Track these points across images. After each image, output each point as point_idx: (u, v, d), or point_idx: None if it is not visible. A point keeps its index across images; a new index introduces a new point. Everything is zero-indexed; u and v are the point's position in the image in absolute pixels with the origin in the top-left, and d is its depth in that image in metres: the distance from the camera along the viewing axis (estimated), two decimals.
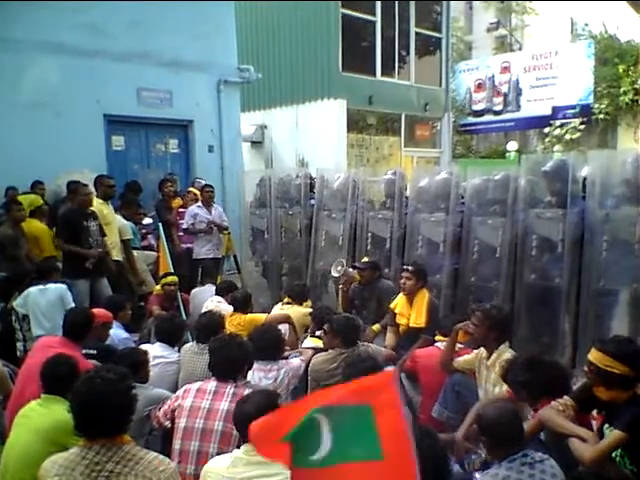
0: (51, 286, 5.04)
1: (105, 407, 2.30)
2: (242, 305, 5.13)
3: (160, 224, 6.95)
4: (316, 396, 2.23)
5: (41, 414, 3.03)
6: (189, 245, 7.60)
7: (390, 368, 4.13)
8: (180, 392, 3.32)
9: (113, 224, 6.46)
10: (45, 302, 4.92)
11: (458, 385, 4.02)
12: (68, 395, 2.96)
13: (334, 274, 5.85)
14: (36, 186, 7.07)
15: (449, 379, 4.06)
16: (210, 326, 4.23)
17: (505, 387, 3.53)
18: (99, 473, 2.24)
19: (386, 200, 6.62)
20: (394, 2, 14.86)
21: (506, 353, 3.73)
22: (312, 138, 13.69)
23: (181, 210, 7.80)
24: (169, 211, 7.82)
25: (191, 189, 8.26)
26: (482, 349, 3.90)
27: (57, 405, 3.00)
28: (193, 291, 6.45)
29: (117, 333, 4.78)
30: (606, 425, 2.84)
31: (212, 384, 3.23)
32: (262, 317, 4.96)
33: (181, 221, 7.65)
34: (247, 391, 3.13)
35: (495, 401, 3.38)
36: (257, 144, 14.92)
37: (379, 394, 1.91)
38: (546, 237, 5.32)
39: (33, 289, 5.03)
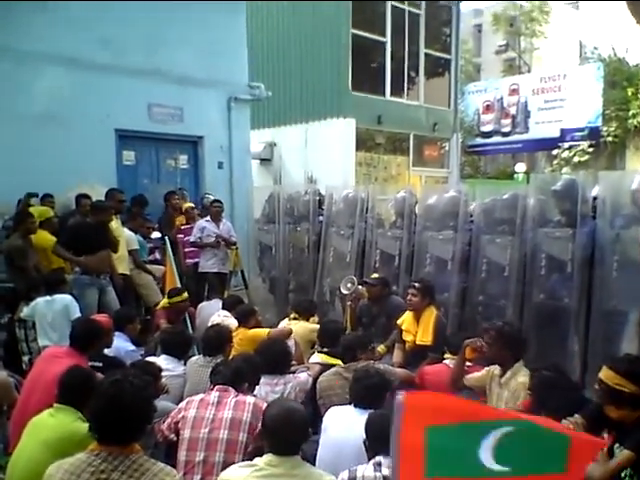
0: (58, 297, 5.06)
1: (128, 412, 2.29)
2: (244, 319, 5.12)
3: (168, 239, 6.98)
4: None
5: (50, 425, 3.00)
6: (195, 260, 7.59)
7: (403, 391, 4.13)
8: (183, 404, 3.32)
9: (121, 238, 6.48)
10: (52, 313, 4.93)
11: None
12: (80, 407, 2.99)
13: (344, 291, 5.82)
14: (46, 199, 7.10)
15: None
16: (217, 339, 4.22)
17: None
18: None
19: (397, 219, 6.63)
20: (404, 23, 14.99)
21: (521, 372, 3.72)
22: (321, 156, 13.75)
23: (184, 227, 7.80)
24: (172, 227, 7.81)
25: (190, 204, 8.24)
26: (493, 366, 3.87)
27: (67, 417, 3.00)
28: (200, 305, 6.44)
29: (123, 346, 4.77)
30: (616, 445, 2.80)
31: (214, 394, 3.23)
32: (264, 332, 4.94)
33: (186, 238, 7.64)
34: (249, 399, 3.13)
35: None
36: (266, 161, 15.00)
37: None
38: (555, 257, 5.28)
39: (40, 300, 5.06)
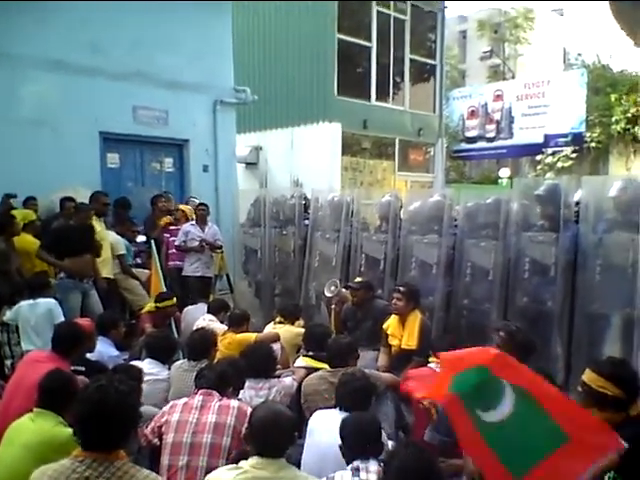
0: (41, 301, 5.01)
1: (113, 418, 2.26)
2: (237, 324, 5.10)
3: (153, 241, 6.94)
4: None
5: (31, 429, 2.98)
6: (179, 263, 7.55)
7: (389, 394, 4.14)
8: (166, 408, 3.30)
9: (105, 241, 6.44)
10: (35, 317, 4.88)
11: None
12: (61, 411, 2.98)
13: (327, 294, 5.83)
14: (29, 201, 7.04)
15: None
16: (202, 343, 4.20)
17: None
18: None
19: (381, 223, 6.65)
20: (390, 29, 15.07)
21: None
22: (307, 160, 13.77)
23: (172, 228, 7.76)
24: (156, 228, 7.77)
25: (180, 207, 8.21)
26: None
27: (47, 421, 2.98)
28: (185, 309, 6.40)
29: (107, 350, 4.74)
30: None
31: (198, 398, 3.22)
32: (252, 337, 4.91)
33: (172, 238, 7.61)
34: (233, 403, 3.12)
35: None
36: (252, 165, 14.98)
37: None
38: (538, 260, 5.33)
39: (24, 303, 5.00)
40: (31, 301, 5.00)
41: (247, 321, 5.28)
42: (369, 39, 14.69)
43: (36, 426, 2.98)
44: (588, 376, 2.80)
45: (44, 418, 3.01)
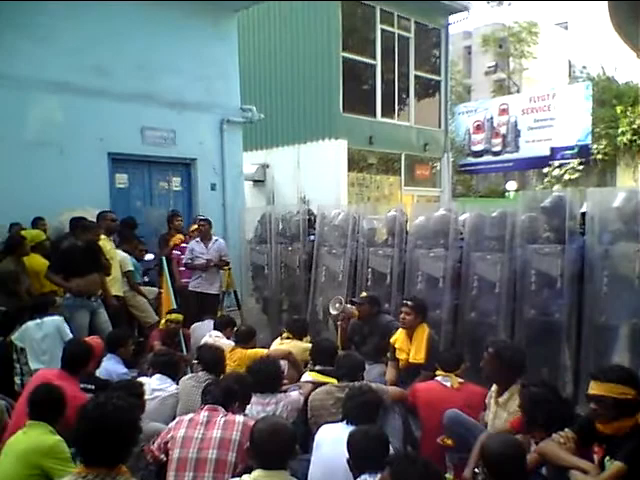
0: (48, 319, 5.06)
1: (112, 434, 2.28)
2: (245, 340, 5.13)
3: (164, 259, 7.01)
4: None
5: (22, 440, 3.10)
6: (189, 280, 7.61)
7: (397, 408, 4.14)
8: (172, 424, 3.32)
9: (115, 259, 6.50)
10: (42, 335, 4.93)
11: (456, 424, 3.93)
12: (52, 421, 3.11)
13: (332, 312, 5.84)
14: (38, 222, 7.11)
15: (447, 424, 3.95)
16: (215, 358, 4.24)
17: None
18: None
19: (388, 237, 6.67)
20: (394, 46, 15.20)
21: (517, 394, 3.61)
22: (313, 177, 13.83)
23: (183, 246, 7.85)
24: (167, 246, 7.89)
25: (196, 226, 8.31)
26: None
27: (37, 430, 3.09)
28: (193, 326, 6.44)
29: (115, 368, 4.77)
30: (607, 457, 2.81)
31: (204, 414, 3.23)
32: (262, 352, 4.93)
33: (182, 256, 7.70)
34: (239, 418, 3.13)
35: (498, 434, 3.35)
36: (259, 183, 15.06)
37: None
38: (545, 272, 5.31)
39: (30, 323, 5.05)
40: (38, 320, 5.05)
41: (254, 337, 5.30)
42: (374, 57, 14.80)
43: (26, 436, 3.10)
44: (604, 388, 2.78)
45: (34, 428, 3.13)
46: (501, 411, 3.74)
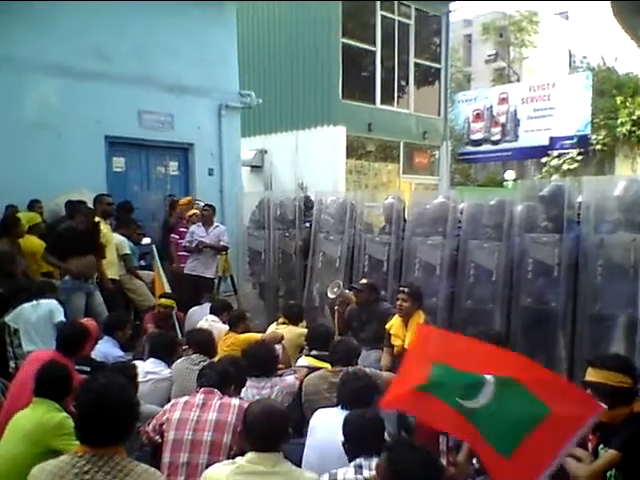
0: (43, 302, 5.04)
1: (116, 410, 2.28)
2: (235, 323, 5.15)
3: (154, 247, 6.99)
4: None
5: (27, 417, 3.08)
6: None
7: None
8: (168, 406, 3.33)
9: (111, 243, 6.49)
10: (36, 317, 4.92)
11: None
12: (58, 399, 3.10)
13: (330, 295, 5.84)
14: (34, 204, 7.09)
15: None
16: (204, 342, 4.24)
17: None
18: None
19: (385, 225, 6.66)
20: (394, 33, 15.12)
21: None
22: (311, 164, 13.80)
23: (181, 230, 7.86)
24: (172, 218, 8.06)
25: (195, 210, 8.30)
26: None
27: (43, 407, 3.06)
28: (191, 310, 6.44)
29: (111, 351, 4.78)
30: (601, 445, 2.82)
31: (200, 397, 3.24)
32: (256, 337, 4.94)
33: (181, 240, 7.74)
34: (234, 401, 3.13)
35: None
36: (257, 168, 15.03)
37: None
38: (542, 261, 5.33)
39: (26, 305, 5.04)
40: (34, 302, 5.04)
41: (244, 320, 5.33)
42: (374, 43, 14.73)
43: (32, 413, 3.08)
44: (601, 375, 2.78)
45: (40, 406, 3.10)
46: None
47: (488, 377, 2.20)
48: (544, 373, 2.27)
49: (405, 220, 6.51)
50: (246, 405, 3.16)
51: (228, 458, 2.91)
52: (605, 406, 2.42)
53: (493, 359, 2.30)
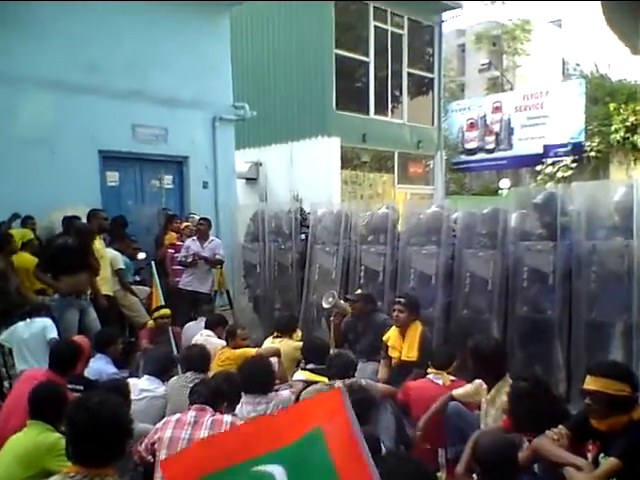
0: (37, 320, 5.00)
1: (105, 429, 2.24)
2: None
3: (153, 262, 6.96)
4: (257, 436, 1.82)
5: (21, 439, 3.04)
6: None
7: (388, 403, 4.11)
8: (159, 424, 3.28)
9: (105, 258, 6.44)
10: (29, 334, 4.88)
11: (456, 417, 3.92)
12: (52, 421, 3.05)
13: (325, 305, 5.81)
14: (27, 221, 7.05)
15: (447, 416, 3.94)
16: (201, 357, 4.20)
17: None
18: None
19: (377, 235, 6.62)
20: (387, 44, 15.16)
21: (506, 388, 3.54)
22: (306, 175, 13.78)
23: (177, 244, 7.86)
24: (163, 246, 7.93)
25: (188, 223, 8.29)
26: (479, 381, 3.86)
27: (36, 429, 3.02)
28: (187, 325, 6.40)
29: (105, 368, 4.72)
30: (601, 455, 2.80)
31: (191, 414, 3.19)
32: (252, 352, 4.90)
33: (176, 254, 7.72)
34: (227, 418, 3.09)
35: (490, 431, 3.33)
36: (252, 181, 15.00)
37: (328, 415, 1.73)
38: (537, 269, 5.31)
39: (20, 324, 5.00)
40: (27, 320, 5.00)
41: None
42: (367, 54, 14.76)
43: (26, 436, 3.04)
44: (600, 383, 2.75)
45: (34, 428, 3.07)
46: (490, 408, 3.73)
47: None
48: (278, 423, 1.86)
49: (396, 230, 6.50)
50: (239, 423, 3.12)
51: None
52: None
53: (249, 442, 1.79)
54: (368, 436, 2.87)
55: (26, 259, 6.17)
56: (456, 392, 4.02)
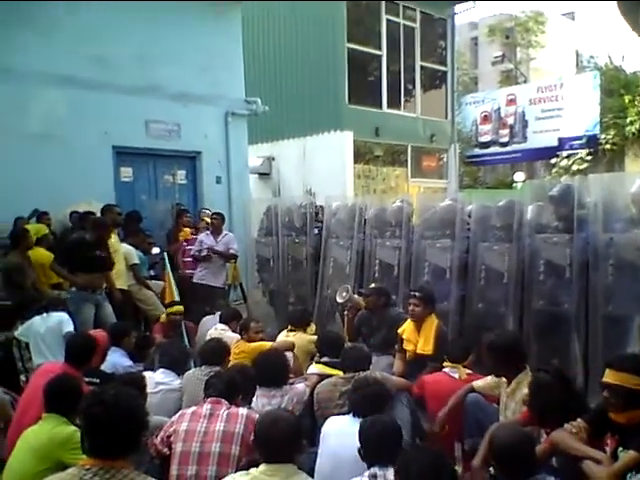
0: (54, 314, 5.04)
1: (120, 422, 2.23)
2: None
3: (166, 255, 6.99)
4: None
5: (37, 432, 3.05)
6: (193, 271, 7.64)
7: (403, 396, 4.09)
8: (175, 417, 3.28)
9: (119, 253, 6.47)
10: (45, 328, 4.92)
11: (475, 408, 3.89)
12: (68, 414, 3.05)
13: (339, 300, 5.78)
14: (42, 216, 7.11)
15: (466, 407, 3.92)
16: (217, 350, 4.21)
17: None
18: None
19: (394, 228, 6.59)
20: (399, 37, 15.09)
21: (526, 382, 3.52)
22: (319, 170, 13.78)
23: (193, 238, 7.90)
24: (177, 241, 7.97)
25: (204, 218, 8.32)
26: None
27: (52, 422, 3.03)
28: (203, 319, 6.40)
29: (120, 361, 4.73)
30: (620, 448, 2.77)
31: (207, 407, 3.20)
32: (267, 345, 4.89)
33: (189, 247, 7.77)
34: (242, 411, 3.08)
35: (508, 424, 3.30)
36: (264, 176, 15.02)
37: None
38: (553, 262, 5.24)
39: (36, 318, 5.04)
40: (44, 314, 5.03)
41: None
42: (379, 47, 14.71)
43: (41, 429, 3.05)
44: (618, 377, 2.73)
45: (49, 421, 3.08)
46: (509, 401, 3.70)
47: None
48: None
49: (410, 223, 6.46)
50: (254, 415, 3.13)
51: (237, 469, 2.86)
52: None
53: None
54: (391, 424, 2.88)
55: (42, 254, 6.22)
56: (476, 384, 3.99)
